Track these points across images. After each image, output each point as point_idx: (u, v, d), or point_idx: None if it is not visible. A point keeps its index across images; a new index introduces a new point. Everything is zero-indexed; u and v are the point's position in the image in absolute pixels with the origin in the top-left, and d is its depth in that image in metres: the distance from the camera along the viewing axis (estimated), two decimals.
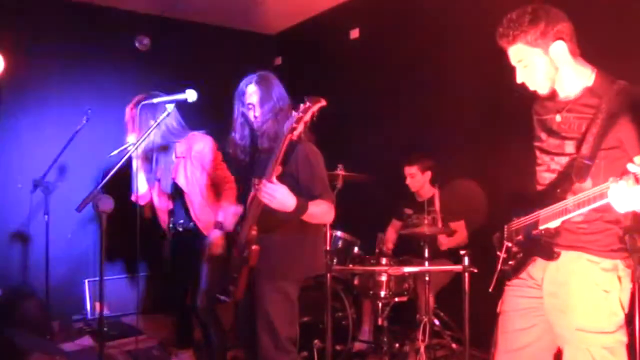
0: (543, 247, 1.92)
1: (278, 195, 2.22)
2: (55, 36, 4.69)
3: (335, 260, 3.49)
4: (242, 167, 2.64)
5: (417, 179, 3.90)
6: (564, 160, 1.93)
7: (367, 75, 4.79)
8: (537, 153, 2.07)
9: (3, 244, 4.45)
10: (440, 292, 3.69)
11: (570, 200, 1.79)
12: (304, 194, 2.37)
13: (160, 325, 4.59)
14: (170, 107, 2.88)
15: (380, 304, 3.47)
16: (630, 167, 1.53)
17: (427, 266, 3.37)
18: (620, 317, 1.84)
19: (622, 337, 1.84)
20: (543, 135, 2.02)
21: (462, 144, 3.98)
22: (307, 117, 2.19)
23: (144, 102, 2.89)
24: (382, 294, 3.42)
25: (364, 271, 3.53)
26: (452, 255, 3.59)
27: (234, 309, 2.90)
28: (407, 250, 3.80)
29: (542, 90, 1.93)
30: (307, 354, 3.32)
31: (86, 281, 4.80)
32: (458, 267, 2.67)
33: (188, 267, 3.44)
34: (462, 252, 2.64)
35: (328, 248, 3.43)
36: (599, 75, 1.88)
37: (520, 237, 2.04)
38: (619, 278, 1.85)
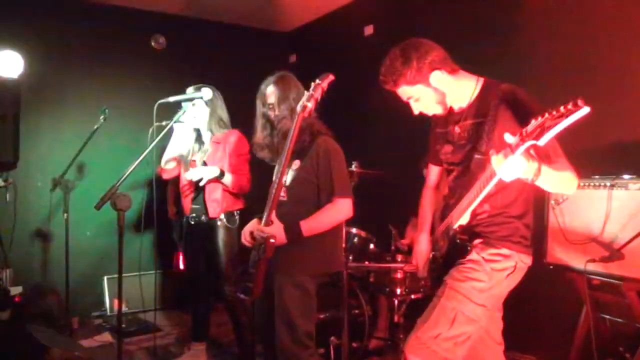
0: (459, 246, 2.00)
1: (268, 231, 2.29)
2: (73, 36, 4.74)
3: (351, 257, 3.51)
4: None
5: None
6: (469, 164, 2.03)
7: None
8: (444, 163, 2.19)
9: (24, 242, 4.51)
10: None
11: (472, 191, 1.89)
12: (322, 188, 2.41)
13: (179, 321, 4.63)
14: (186, 106, 2.98)
15: (396, 301, 3.46)
16: (507, 137, 1.59)
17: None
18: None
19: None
20: (447, 148, 2.12)
21: None
22: (318, 94, 2.25)
23: (160, 101, 2.96)
24: (398, 291, 3.42)
25: (380, 268, 3.53)
26: None
27: (252, 305, 2.91)
28: None
29: (439, 112, 2.07)
30: (324, 350, 3.33)
31: (105, 278, 4.86)
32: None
33: (202, 260, 3.51)
34: None
35: (344, 245, 3.42)
36: (485, 81, 2.01)
37: (441, 242, 2.14)
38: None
